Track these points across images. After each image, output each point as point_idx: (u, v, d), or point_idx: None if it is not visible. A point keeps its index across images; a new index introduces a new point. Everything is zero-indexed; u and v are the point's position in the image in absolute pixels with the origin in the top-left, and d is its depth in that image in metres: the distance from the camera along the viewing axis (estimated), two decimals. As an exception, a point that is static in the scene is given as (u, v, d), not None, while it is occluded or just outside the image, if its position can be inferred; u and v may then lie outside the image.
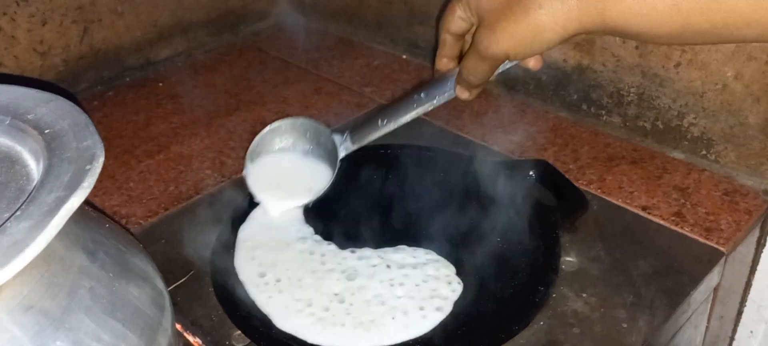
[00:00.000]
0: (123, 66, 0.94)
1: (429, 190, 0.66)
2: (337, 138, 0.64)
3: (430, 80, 0.56)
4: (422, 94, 0.56)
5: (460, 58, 0.55)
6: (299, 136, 0.66)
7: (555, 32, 0.43)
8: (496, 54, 0.47)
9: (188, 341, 0.53)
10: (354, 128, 0.63)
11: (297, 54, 0.98)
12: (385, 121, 0.59)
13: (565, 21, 0.43)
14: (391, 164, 0.69)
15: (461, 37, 0.54)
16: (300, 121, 0.66)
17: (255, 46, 1.02)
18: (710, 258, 0.59)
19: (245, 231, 0.62)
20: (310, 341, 0.51)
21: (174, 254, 0.61)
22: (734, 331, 0.74)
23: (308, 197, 0.63)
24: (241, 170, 0.72)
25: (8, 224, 0.30)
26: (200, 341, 0.52)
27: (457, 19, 0.51)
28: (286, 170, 0.65)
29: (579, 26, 0.43)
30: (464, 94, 0.53)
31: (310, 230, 0.61)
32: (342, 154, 0.63)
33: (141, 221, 0.66)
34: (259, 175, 0.64)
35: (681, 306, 0.55)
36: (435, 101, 0.55)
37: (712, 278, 0.59)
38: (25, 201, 0.31)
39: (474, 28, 0.51)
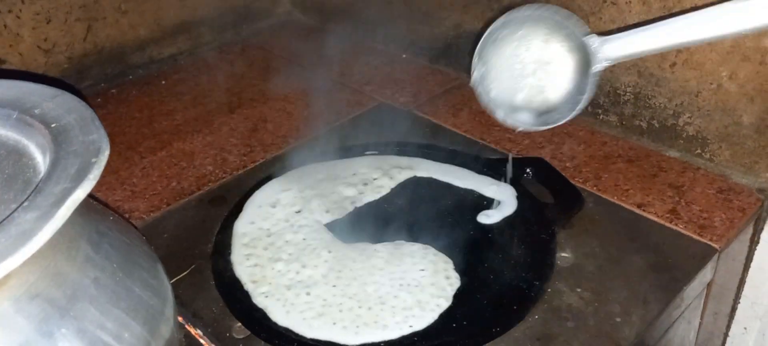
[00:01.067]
0: (127, 64, 0.95)
1: (426, 187, 0.67)
2: (591, 43, 0.50)
3: None
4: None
5: None
6: (537, 33, 0.52)
7: None
8: None
9: (189, 332, 0.54)
10: (617, 36, 0.49)
11: (298, 53, 0.99)
12: (669, 34, 0.46)
13: None
14: (390, 161, 0.70)
15: None
16: (539, 13, 0.52)
17: (257, 44, 1.03)
18: (704, 254, 0.60)
19: (244, 226, 0.63)
20: (308, 335, 0.52)
21: (176, 248, 0.62)
22: (728, 327, 0.75)
23: (557, 118, 0.51)
24: (242, 167, 0.73)
25: (16, 214, 0.31)
26: (201, 333, 0.53)
27: None
28: (525, 87, 0.52)
29: None
30: None
31: (310, 223, 0.62)
32: (598, 67, 0.50)
33: (144, 216, 0.67)
34: (493, 88, 0.53)
35: (674, 301, 0.56)
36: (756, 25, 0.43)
37: (706, 274, 0.60)
38: (32, 193, 0.32)
39: None
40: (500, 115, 0.53)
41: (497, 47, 0.53)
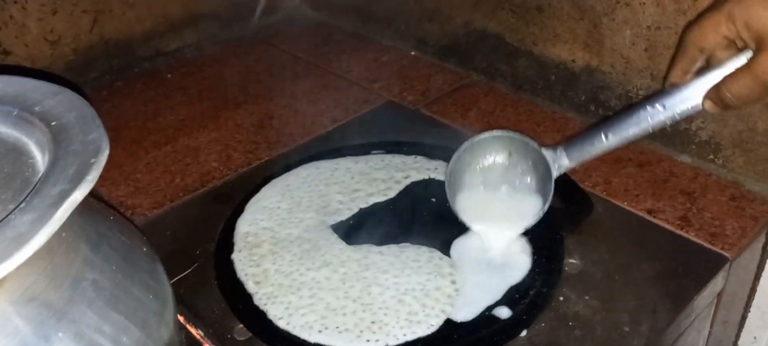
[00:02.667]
0: (133, 56, 0.95)
1: (433, 189, 0.66)
2: (548, 154, 0.58)
3: (661, 93, 0.53)
4: (658, 106, 0.52)
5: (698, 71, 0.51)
6: (502, 152, 0.61)
7: None
8: None
9: (190, 332, 0.53)
10: (569, 143, 0.58)
11: (305, 48, 0.98)
12: (608, 136, 0.55)
13: None
14: (397, 161, 0.69)
15: (711, 53, 0.50)
16: (502, 135, 0.60)
17: (264, 39, 1.02)
18: (715, 264, 0.58)
19: (248, 225, 0.62)
20: (310, 339, 0.51)
21: (178, 245, 0.61)
22: (737, 336, 0.74)
23: (524, 224, 0.58)
24: (247, 164, 0.73)
25: (12, 216, 0.30)
26: (202, 333, 0.53)
27: (720, 37, 0.47)
28: (497, 199, 0.61)
29: None
30: (715, 110, 0.50)
31: (315, 223, 0.61)
32: (556, 173, 0.58)
33: (146, 212, 0.66)
34: (467, 205, 0.60)
35: (684, 311, 0.55)
36: (677, 115, 0.52)
37: (717, 284, 0.59)
38: (29, 193, 0.32)
39: (736, 48, 0.48)
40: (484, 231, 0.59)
41: (466, 173, 0.61)
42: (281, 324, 0.52)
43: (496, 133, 0.61)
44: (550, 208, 0.62)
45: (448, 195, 0.60)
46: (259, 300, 0.54)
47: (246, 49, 1.00)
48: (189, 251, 0.60)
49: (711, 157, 0.69)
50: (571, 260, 0.58)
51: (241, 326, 0.53)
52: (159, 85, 0.90)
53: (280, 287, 0.55)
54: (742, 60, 0.48)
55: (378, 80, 0.88)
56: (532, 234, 0.59)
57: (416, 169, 0.68)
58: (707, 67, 0.51)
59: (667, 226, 0.62)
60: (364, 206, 0.64)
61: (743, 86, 0.47)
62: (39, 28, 0.85)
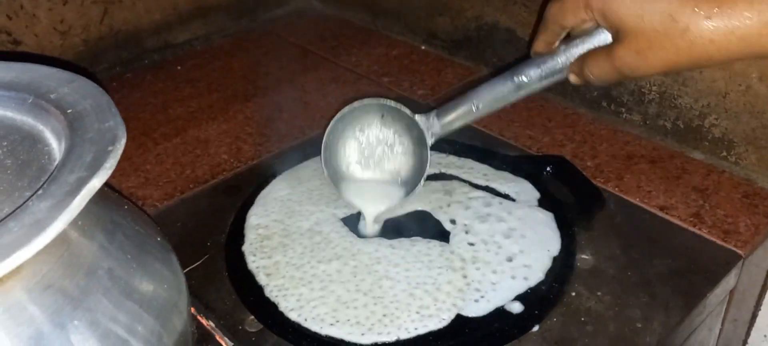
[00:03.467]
0: (142, 48, 0.95)
1: (444, 183, 0.65)
2: (421, 120, 0.58)
3: (526, 61, 0.53)
4: (524, 78, 0.53)
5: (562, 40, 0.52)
6: (376, 120, 0.60)
7: (717, 61, 0.41)
8: (641, 76, 0.45)
9: (201, 324, 0.53)
10: (441, 112, 0.58)
11: (315, 41, 0.98)
12: (479, 106, 0.55)
13: (736, 51, 0.40)
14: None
15: (572, 28, 0.50)
16: (373, 102, 0.60)
17: (273, 32, 1.02)
18: (728, 261, 0.58)
19: (259, 217, 0.62)
20: (321, 332, 0.51)
21: (189, 237, 0.61)
22: (748, 334, 0.73)
23: (401, 193, 0.60)
24: (257, 157, 0.72)
25: (30, 202, 0.30)
26: (213, 325, 0.53)
27: (578, 20, 0.48)
28: (374, 165, 0.61)
29: (743, 53, 0.40)
30: (579, 83, 0.51)
31: (326, 217, 0.61)
32: (430, 141, 0.58)
33: (157, 204, 0.66)
34: (340, 176, 0.61)
35: (696, 308, 0.54)
36: (544, 83, 0.53)
37: (729, 281, 0.59)
38: (46, 180, 0.31)
39: (592, 27, 0.48)
40: (361, 205, 0.60)
41: (342, 140, 0.61)
42: (293, 316, 0.52)
43: (366, 101, 0.60)
44: (562, 203, 0.62)
45: (325, 170, 0.61)
46: (270, 292, 0.54)
47: (255, 41, 0.99)
48: (199, 243, 0.60)
49: (724, 154, 0.69)
50: (584, 256, 0.58)
51: (252, 317, 0.53)
52: (168, 77, 0.90)
53: (291, 280, 0.55)
54: (604, 37, 0.48)
55: (388, 74, 0.88)
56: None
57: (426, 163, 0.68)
58: (571, 37, 0.51)
59: (680, 223, 0.62)
60: (374, 199, 0.63)
61: (602, 68, 0.47)
62: (49, 19, 0.85)
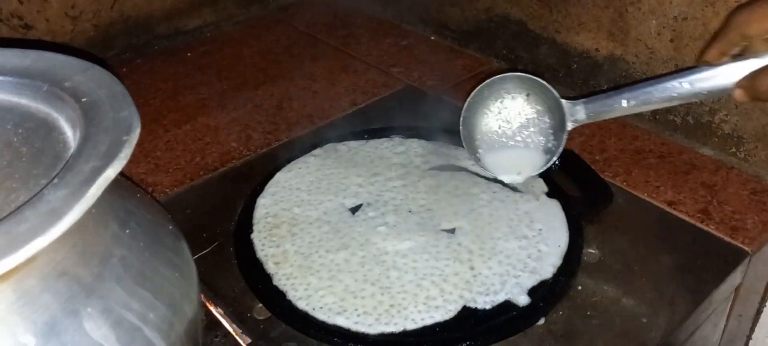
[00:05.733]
0: (153, 34, 0.95)
1: (452, 174, 0.65)
2: (565, 105, 0.59)
3: (692, 69, 0.53)
4: (687, 84, 0.52)
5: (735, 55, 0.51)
6: (521, 92, 0.62)
7: None
8: None
9: (210, 311, 0.53)
10: (589, 100, 0.58)
11: (325, 30, 0.98)
12: (631, 103, 0.55)
13: None
14: (416, 146, 0.69)
15: (751, 41, 0.49)
16: (522, 76, 0.61)
17: (284, 20, 1.02)
18: (734, 257, 0.58)
19: (267, 206, 0.62)
20: (329, 320, 0.51)
21: (198, 224, 0.62)
22: (752, 330, 0.74)
23: (532, 170, 0.62)
24: (266, 145, 0.73)
25: (46, 191, 0.30)
26: (222, 312, 0.53)
27: (764, 26, 0.47)
28: (512, 134, 0.63)
29: None
30: (744, 99, 0.50)
31: (334, 206, 0.61)
32: (570, 126, 0.59)
33: (167, 190, 0.67)
34: (479, 141, 0.63)
35: (702, 305, 0.55)
36: (702, 94, 0.53)
37: (735, 278, 0.59)
38: (62, 169, 0.32)
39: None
40: (490, 169, 0.63)
41: (482, 109, 0.62)
42: (301, 305, 0.52)
43: (517, 73, 0.61)
44: (570, 196, 0.62)
45: (462, 133, 0.62)
46: (279, 281, 0.54)
47: (265, 29, 0.99)
48: (209, 231, 0.61)
49: (733, 150, 0.69)
50: (590, 250, 0.58)
51: (261, 305, 0.53)
52: (178, 64, 0.90)
53: (300, 268, 0.55)
54: None
55: (397, 64, 0.88)
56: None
57: (436, 154, 0.68)
58: (743, 54, 0.50)
59: (687, 218, 0.62)
60: (383, 190, 0.64)
61: None
62: (60, 4, 0.85)
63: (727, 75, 0.51)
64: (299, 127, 0.76)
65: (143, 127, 0.78)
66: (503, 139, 0.63)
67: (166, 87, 0.85)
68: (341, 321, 0.51)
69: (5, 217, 0.29)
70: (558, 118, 0.59)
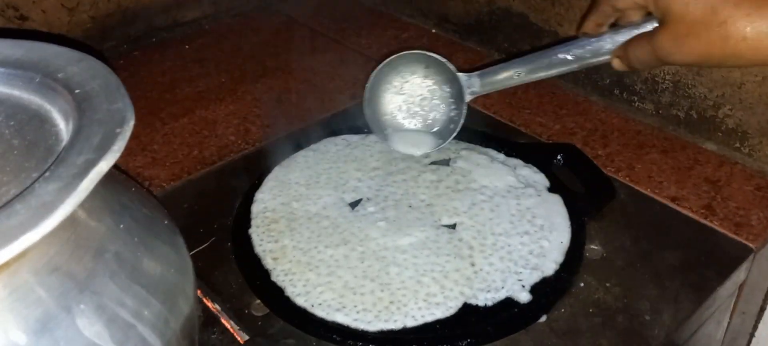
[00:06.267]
0: (150, 25, 0.94)
1: (452, 169, 0.65)
2: (462, 79, 0.62)
3: (573, 41, 0.55)
4: (569, 56, 0.55)
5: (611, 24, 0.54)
6: (420, 69, 0.65)
7: (747, 60, 0.43)
8: (676, 63, 0.47)
9: (207, 307, 0.53)
10: (483, 73, 0.61)
11: (324, 23, 0.97)
12: (519, 74, 0.59)
13: (766, 53, 0.42)
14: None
15: (623, 12, 0.52)
16: (418, 53, 0.64)
17: (282, 12, 1.01)
18: (739, 254, 0.58)
19: (266, 200, 0.61)
20: (328, 317, 0.50)
21: (195, 219, 0.61)
22: (755, 328, 0.73)
23: (433, 143, 0.64)
24: (265, 139, 0.72)
25: (37, 184, 0.29)
26: (219, 308, 0.52)
27: (631, 2, 0.50)
28: (411, 110, 0.66)
29: None
30: (621, 68, 0.53)
31: (334, 201, 0.61)
32: (468, 98, 0.62)
33: (164, 184, 0.66)
34: (381, 113, 0.65)
35: (706, 302, 0.54)
36: (585, 63, 0.55)
37: (739, 275, 0.58)
38: (54, 162, 0.31)
39: (647, 12, 0.50)
40: (397, 145, 0.65)
41: (383, 87, 0.65)
42: (299, 301, 0.51)
43: (414, 51, 0.64)
44: (572, 192, 0.62)
45: (366, 112, 0.65)
46: (277, 276, 0.54)
47: (264, 21, 0.98)
48: (206, 225, 0.60)
49: (737, 145, 0.68)
50: (593, 246, 0.57)
51: (259, 301, 0.52)
52: (176, 56, 0.89)
53: (298, 264, 0.54)
54: (651, 24, 0.50)
55: (398, 57, 0.87)
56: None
57: (436, 148, 0.67)
58: (619, 23, 0.53)
59: (691, 214, 0.61)
60: (383, 185, 0.63)
61: (643, 51, 0.49)
62: (57, -5, 0.84)
63: (605, 44, 0.53)
64: (298, 120, 0.75)
65: (140, 120, 0.77)
66: (408, 114, 0.66)
67: (163, 79, 0.84)
68: (340, 318, 0.50)
69: (-5, 211, 0.28)
70: (457, 87, 0.63)
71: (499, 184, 0.62)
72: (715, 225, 0.60)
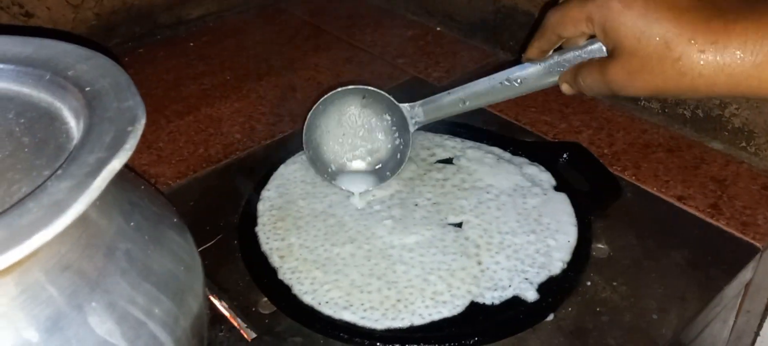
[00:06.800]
0: (155, 23, 0.94)
1: (458, 167, 0.65)
2: (405, 109, 0.61)
3: (519, 65, 0.54)
4: (515, 82, 0.54)
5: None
6: (357, 105, 0.63)
7: (702, 94, 0.42)
8: (629, 95, 0.46)
9: (214, 304, 0.53)
10: (427, 102, 0.60)
11: (329, 20, 0.97)
12: (466, 103, 0.57)
13: (723, 87, 0.41)
14: (423, 139, 0.68)
15: (568, 39, 0.50)
16: (354, 88, 0.62)
17: (287, 9, 1.01)
18: (745, 253, 0.57)
19: (272, 198, 0.61)
20: (335, 315, 0.50)
21: (202, 216, 0.61)
22: (760, 327, 0.73)
23: (379, 180, 0.62)
24: (270, 137, 0.72)
25: (49, 182, 0.29)
26: (227, 306, 0.52)
27: (578, 32, 0.48)
28: (357, 148, 0.64)
29: (728, 91, 0.41)
30: (570, 92, 0.51)
31: (340, 199, 0.61)
32: (413, 128, 0.61)
33: (170, 182, 0.66)
34: (322, 152, 0.63)
35: (713, 301, 0.54)
36: (533, 86, 0.53)
37: (746, 274, 0.58)
38: (65, 160, 0.31)
39: (586, 41, 0.49)
40: (343, 184, 0.62)
41: (322, 125, 0.62)
42: (306, 299, 0.51)
43: (348, 87, 0.62)
44: (577, 190, 0.62)
45: (308, 155, 0.62)
46: (284, 275, 0.54)
47: (268, 19, 0.98)
48: (212, 223, 0.60)
49: (743, 144, 0.68)
50: (599, 245, 0.57)
51: (266, 299, 0.52)
52: (181, 54, 0.89)
53: (305, 262, 0.54)
54: (596, 49, 0.48)
55: (402, 55, 0.87)
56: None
57: (442, 146, 0.67)
58: (564, 47, 0.51)
59: (698, 213, 0.61)
60: (390, 183, 0.63)
61: (594, 80, 0.47)
62: (62, -9, 0.84)
63: (551, 69, 0.52)
64: (303, 118, 0.74)
65: (146, 117, 0.77)
66: (352, 150, 0.64)
67: (168, 77, 0.84)
68: (348, 316, 0.50)
69: (7, 209, 0.28)
70: (398, 115, 0.61)
71: (505, 182, 0.62)
72: (721, 224, 0.60)
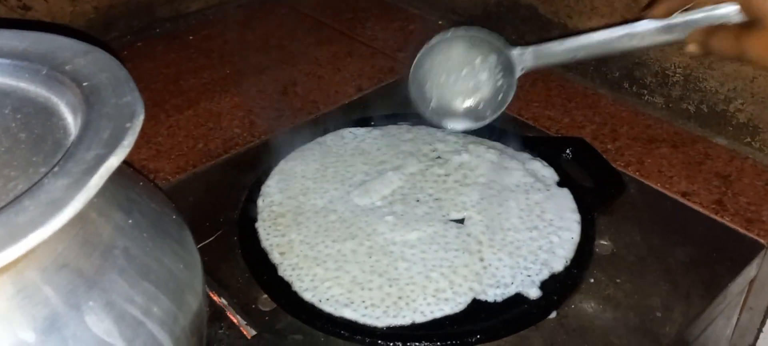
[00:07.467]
0: (154, 16, 0.93)
1: (460, 163, 0.64)
2: (514, 53, 0.58)
3: (638, 21, 0.52)
4: (638, 29, 0.52)
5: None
6: (468, 47, 0.60)
7: None
8: (764, 66, 0.45)
9: (214, 301, 0.52)
10: (538, 47, 0.58)
11: (330, 14, 0.96)
12: (579, 53, 0.55)
13: None
14: (424, 134, 0.68)
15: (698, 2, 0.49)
16: (462, 33, 0.60)
17: (288, 3, 1.00)
18: (750, 250, 0.57)
19: (272, 194, 0.61)
20: (335, 312, 0.50)
21: (201, 212, 0.60)
22: (762, 323, 0.72)
23: (484, 118, 0.61)
24: (271, 131, 0.71)
25: (46, 180, 0.29)
26: (226, 302, 0.52)
27: None
28: (459, 86, 0.61)
29: None
30: (697, 53, 0.50)
31: (340, 195, 0.60)
32: (519, 73, 0.58)
33: (169, 177, 0.65)
34: (428, 89, 0.61)
35: (717, 298, 0.54)
36: (648, 44, 0.52)
37: (750, 271, 0.58)
38: (63, 156, 0.30)
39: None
40: (443, 122, 0.61)
41: (427, 64, 0.61)
42: (307, 296, 0.51)
43: (461, 28, 0.60)
44: (582, 186, 0.61)
45: (412, 92, 0.61)
46: (284, 271, 0.53)
47: (269, 12, 0.97)
48: (212, 219, 0.59)
49: (748, 140, 0.67)
50: (603, 242, 0.57)
51: (266, 296, 0.52)
52: (180, 48, 0.89)
53: (306, 259, 0.54)
54: (727, 12, 0.47)
55: (404, 49, 0.86)
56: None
57: (444, 141, 0.66)
58: (693, 7, 0.49)
59: (702, 210, 0.61)
60: (391, 179, 0.62)
61: (729, 46, 0.47)
62: (60, -15, 0.83)
63: (678, 26, 0.50)
64: (304, 113, 0.74)
65: (145, 112, 0.76)
66: (454, 89, 0.62)
67: (167, 71, 0.83)
68: (348, 313, 0.50)
69: (3, 207, 0.28)
70: (505, 58, 0.59)
71: (508, 178, 0.62)
72: (726, 221, 0.59)
